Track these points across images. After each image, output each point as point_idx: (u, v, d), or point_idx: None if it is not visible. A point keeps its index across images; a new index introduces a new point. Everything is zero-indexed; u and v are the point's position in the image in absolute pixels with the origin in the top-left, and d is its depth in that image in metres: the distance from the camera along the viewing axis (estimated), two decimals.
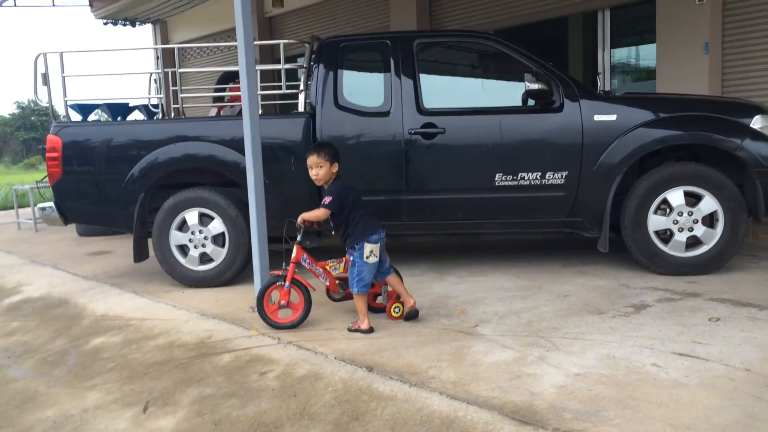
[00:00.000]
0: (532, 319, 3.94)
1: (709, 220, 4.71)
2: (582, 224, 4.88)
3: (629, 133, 4.68)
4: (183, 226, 5.25)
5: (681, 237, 4.69)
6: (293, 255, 4.06)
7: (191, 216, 5.21)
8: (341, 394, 3.07)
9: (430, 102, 4.95)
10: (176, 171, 5.25)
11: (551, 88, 4.71)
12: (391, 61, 5.01)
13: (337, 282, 4.19)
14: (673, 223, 4.69)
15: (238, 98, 8.32)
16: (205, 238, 5.22)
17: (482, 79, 5.39)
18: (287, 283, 4.00)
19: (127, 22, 14.65)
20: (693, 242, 4.73)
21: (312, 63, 5.23)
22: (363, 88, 5.16)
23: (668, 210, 4.71)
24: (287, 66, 5.21)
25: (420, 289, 4.64)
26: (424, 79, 4.99)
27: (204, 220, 5.23)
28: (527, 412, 2.67)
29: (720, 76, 7.32)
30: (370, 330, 3.86)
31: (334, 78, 5.06)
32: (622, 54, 8.51)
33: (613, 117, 4.69)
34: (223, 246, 5.21)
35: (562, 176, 4.76)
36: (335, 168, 4.01)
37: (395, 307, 4.09)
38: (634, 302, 4.15)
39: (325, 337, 3.83)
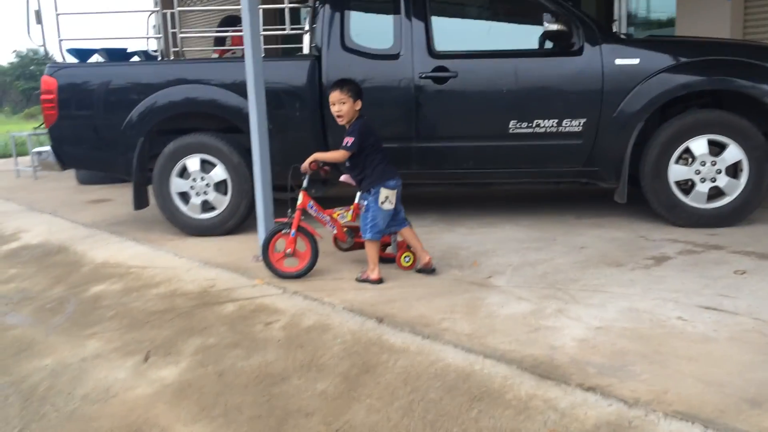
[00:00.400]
0: (548, 270, 3.79)
1: (733, 170, 4.51)
2: (599, 174, 4.69)
3: (652, 78, 4.44)
4: (184, 173, 5.07)
5: (703, 188, 4.50)
6: (299, 202, 3.89)
7: (192, 162, 5.02)
8: (350, 345, 2.93)
9: (442, 44, 4.71)
10: (177, 115, 5.05)
11: (571, 30, 4.46)
12: (401, 0, 4.73)
13: (345, 230, 4.02)
14: (695, 173, 4.50)
15: (241, 43, 8.08)
16: (207, 185, 5.04)
17: (497, 21, 5.12)
18: (293, 231, 3.84)
19: None
20: (715, 193, 4.54)
21: (317, 2, 4.97)
22: (371, 29, 4.90)
23: (690, 159, 4.51)
24: (291, 5, 4.93)
25: (430, 240, 4.47)
26: (436, 19, 4.73)
27: (206, 166, 5.03)
28: (548, 367, 2.53)
29: (742, 24, 7.02)
30: (380, 281, 3.71)
31: (341, 18, 4.80)
32: (640, 0, 8.17)
33: (636, 61, 4.45)
34: (225, 194, 5.04)
35: (579, 123, 4.54)
36: (358, 105, 3.78)
37: (405, 256, 3.94)
38: (654, 254, 3.99)
39: (332, 287, 3.68)
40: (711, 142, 4.47)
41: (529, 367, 2.54)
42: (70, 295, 4.18)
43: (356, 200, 3.99)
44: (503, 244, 4.43)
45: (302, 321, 3.24)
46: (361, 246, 4.09)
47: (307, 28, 4.97)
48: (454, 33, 4.88)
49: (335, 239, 4.10)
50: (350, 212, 3.99)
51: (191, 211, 5.10)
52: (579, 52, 4.50)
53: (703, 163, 4.48)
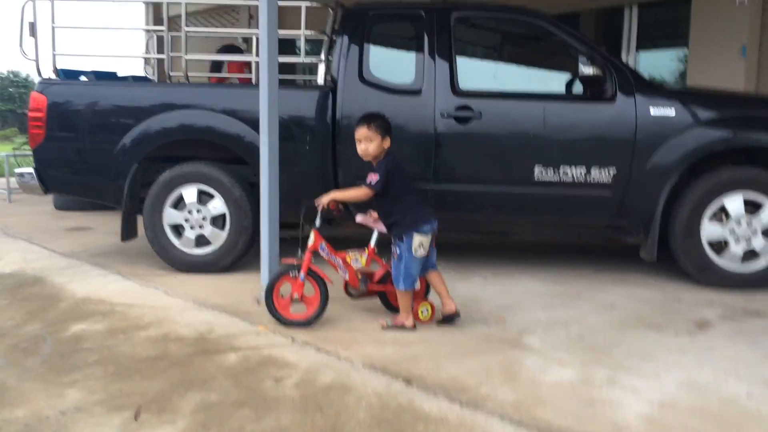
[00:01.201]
0: (583, 332, 3.45)
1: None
2: (627, 228, 4.40)
3: (688, 131, 4.20)
4: (179, 204, 4.69)
5: (738, 248, 4.24)
6: (310, 242, 3.53)
7: (189, 193, 4.64)
8: (378, 411, 2.54)
9: (466, 83, 4.43)
10: (175, 142, 4.69)
11: (604, 75, 4.22)
12: (425, 34, 4.47)
13: (359, 276, 3.66)
14: (730, 232, 4.23)
15: (237, 71, 7.78)
16: (204, 218, 4.66)
17: (525, 62, 4.88)
18: (302, 274, 3.47)
19: None
20: (748, 255, 4.27)
21: (335, 32, 4.69)
22: (392, 62, 4.64)
23: (724, 218, 4.25)
24: (308, 33, 4.64)
25: None
26: (461, 56, 4.48)
27: (203, 198, 4.66)
28: None
29: (755, 80, 6.91)
30: (414, 327, 3.41)
31: (360, 49, 4.52)
32: (649, 56, 8.06)
33: (672, 112, 4.21)
34: (222, 228, 4.65)
35: (609, 174, 4.27)
36: (387, 143, 3.46)
37: (423, 309, 3.59)
38: (694, 318, 3.69)
39: (346, 339, 3.31)
40: (746, 202, 4.22)
41: None
42: (47, 334, 3.72)
43: (371, 243, 3.65)
44: (525, 297, 4.10)
45: (318, 378, 2.85)
46: (374, 294, 3.74)
47: (323, 57, 4.67)
48: (479, 71, 4.63)
49: (346, 285, 3.73)
50: (364, 256, 3.64)
51: (184, 245, 4.70)
52: (612, 98, 4.26)
53: (739, 222, 4.22)
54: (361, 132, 3.46)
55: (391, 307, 3.70)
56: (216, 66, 7.73)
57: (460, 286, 4.36)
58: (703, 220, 4.25)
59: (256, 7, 3.86)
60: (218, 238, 4.65)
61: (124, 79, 6.29)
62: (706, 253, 4.27)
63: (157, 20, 14.53)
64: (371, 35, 4.54)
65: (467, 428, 2.37)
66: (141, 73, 7.29)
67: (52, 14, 4.89)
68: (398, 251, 3.41)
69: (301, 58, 4.50)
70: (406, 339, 3.31)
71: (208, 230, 4.65)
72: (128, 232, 4.83)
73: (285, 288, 3.56)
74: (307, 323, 3.50)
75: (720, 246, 4.29)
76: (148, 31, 8.00)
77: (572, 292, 4.23)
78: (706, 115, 4.23)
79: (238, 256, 4.68)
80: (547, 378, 2.80)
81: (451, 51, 4.42)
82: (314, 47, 5.15)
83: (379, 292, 3.72)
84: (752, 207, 4.24)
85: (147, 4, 10.65)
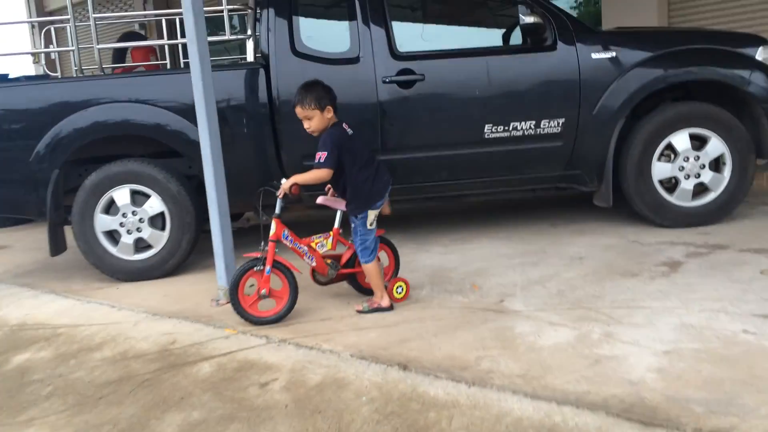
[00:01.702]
0: (562, 287, 3.38)
1: (715, 165, 4.31)
2: (581, 177, 4.36)
3: (630, 71, 4.17)
4: (111, 208, 4.31)
5: (688, 185, 4.28)
6: (272, 232, 3.28)
7: (121, 195, 4.27)
8: (382, 404, 2.37)
9: (405, 45, 4.24)
10: (99, 140, 4.29)
11: (543, 24, 4.11)
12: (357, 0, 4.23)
13: (327, 261, 3.45)
14: (679, 169, 4.26)
15: (142, 59, 7.29)
16: (140, 220, 4.30)
17: (462, 19, 4.69)
18: (268, 267, 3.23)
19: None
20: (699, 190, 4.32)
21: (259, 5, 4.38)
22: (325, 31, 4.37)
23: (673, 156, 4.27)
24: (231, 8, 4.30)
25: (407, 264, 3.96)
26: (396, 19, 4.26)
27: (137, 199, 4.30)
28: (643, 409, 2.09)
29: (666, 14, 7.01)
30: (391, 307, 3.27)
31: (289, 21, 4.23)
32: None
33: (612, 54, 4.16)
34: (163, 229, 4.32)
35: (558, 124, 4.20)
36: (329, 113, 3.23)
37: (398, 287, 3.42)
38: (662, 260, 3.69)
39: (325, 330, 3.11)
40: (692, 137, 4.25)
41: (620, 412, 2.09)
42: None
43: (336, 224, 3.45)
44: (492, 261, 4.00)
45: (307, 377, 2.65)
46: (343, 278, 3.55)
47: (249, 32, 4.34)
48: (416, 33, 4.43)
49: (313, 272, 3.51)
50: (330, 240, 3.43)
51: (122, 252, 4.34)
52: (553, 46, 4.17)
53: (687, 159, 4.25)
54: (298, 112, 3.25)
55: (363, 290, 3.52)
56: (119, 56, 7.21)
57: (422, 258, 4.22)
58: (653, 161, 4.25)
59: None
60: (159, 239, 4.32)
61: (17, 80, 5.74)
62: (658, 192, 4.29)
63: (41, 14, 13.56)
64: (299, 6, 4.25)
65: (482, 409, 2.24)
66: (30, 72, 6.69)
67: None
68: (354, 226, 3.28)
69: (227, 35, 4.17)
70: (388, 321, 3.15)
71: (147, 232, 4.31)
72: (56, 245, 4.41)
73: (250, 284, 3.31)
74: (278, 319, 3.27)
75: (671, 185, 4.31)
76: (36, 25, 7.36)
77: (536, 250, 4.16)
78: (644, 55, 4.20)
79: (183, 257, 4.36)
80: (545, 342, 2.71)
81: (385, 14, 4.20)
82: (239, 24, 4.77)
83: (349, 274, 3.52)
84: (698, 142, 4.27)
85: None
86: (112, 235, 4.35)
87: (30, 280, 4.75)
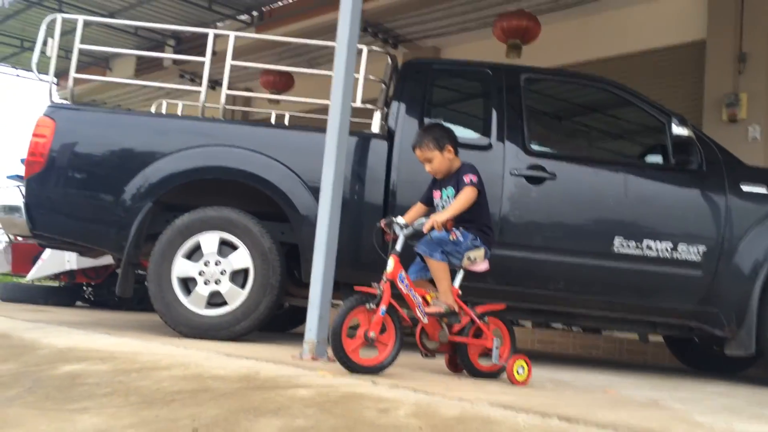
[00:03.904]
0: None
1: None
2: (716, 318, 3.86)
3: None
4: (193, 254, 3.97)
5: None
6: (389, 269, 2.88)
7: (209, 240, 3.94)
8: None
9: (537, 143, 4.08)
10: (198, 182, 4.08)
11: (692, 144, 3.92)
12: (494, 92, 4.15)
13: (441, 324, 2.98)
14: None
15: None
16: (222, 272, 3.92)
17: (598, 127, 4.58)
18: (384, 307, 2.78)
19: None
20: None
21: (393, 78, 4.35)
22: (456, 117, 4.27)
23: None
24: (369, 77, 4.23)
25: None
26: (531, 116, 4.14)
27: (223, 249, 3.97)
28: None
29: None
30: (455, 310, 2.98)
31: (422, 102, 4.15)
32: None
33: (764, 189, 3.91)
34: (243, 286, 3.92)
35: (698, 251, 3.83)
36: (450, 153, 3.13)
37: (519, 367, 2.91)
38: None
39: (440, 381, 2.59)
40: None
41: None
42: (30, 372, 2.85)
43: (455, 283, 3.06)
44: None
45: (439, 411, 2.11)
46: (453, 348, 3.06)
47: (380, 104, 4.25)
48: (550, 133, 4.29)
49: (421, 332, 3.02)
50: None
51: (193, 303, 3.91)
52: (699, 169, 3.94)
53: None
54: (417, 154, 3.22)
55: (473, 370, 3.03)
56: None
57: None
58: None
59: None
60: (237, 296, 3.90)
61: None
62: None
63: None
64: (434, 87, 4.21)
65: None
66: None
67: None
68: (458, 237, 3.01)
69: (358, 103, 4.08)
70: (514, 388, 2.61)
71: (226, 286, 3.90)
72: (126, 285, 4.05)
73: (350, 326, 2.83)
74: (382, 368, 2.77)
75: None
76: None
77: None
78: None
79: (257, 321, 3.90)
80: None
81: (522, 110, 4.09)
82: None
83: (459, 345, 3.03)
84: None
85: None
86: (187, 285, 3.96)
87: (78, 326, 4.31)
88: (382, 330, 2.82)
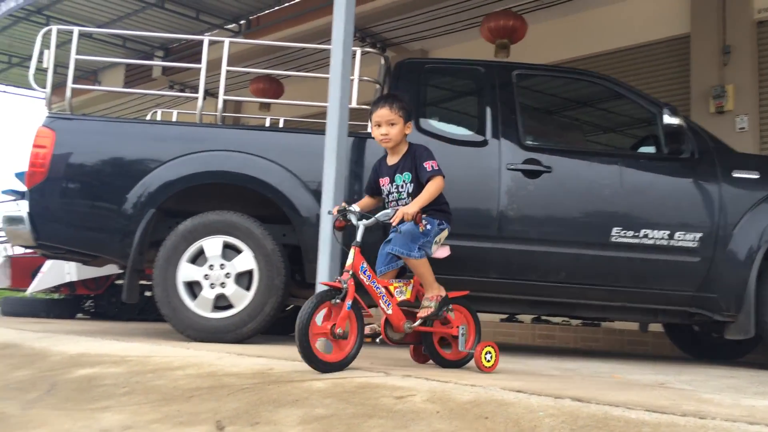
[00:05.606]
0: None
1: None
2: (715, 303, 3.93)
3: None
4: (197, 259, 4.02)
5: None
6: (349, 261, 2.80)
7: (213, 245, 3.99)
8: (570, 419, 1.88)
9: (532, 137, 4.15)
10: (199, 188, 4.12)
11: (683, 134, 4.01)
12: (487, 89, 4.23)
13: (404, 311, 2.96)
14: None
15: None
16: (227, 275, 3.97)
17: (592, 120, 4.66)
18: (349, 302, 2.71)
19: None
20: None
21: (386, 79, 4.42)
22: (451, 115, 4.33)
23: None
24: (364, 78, 4.29)
25: None
26: (525, 111, 4.22)
27: (227, 253, 4.01)
28: None
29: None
30: (447, 296, 2.97)
31: (417, 101, 4.21)
32: None
33: (756, 175, 3.99)
34: (248, 288, 3.97)
35: (694, 237, 3.92)
36: (409, 129, 3.12)
37: (486, 353, 2.92)
38: None
39: (445, 372, 2.64)
40: None
41: None
42: (46, 377, 2.89)
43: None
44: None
45: (454, 396, 2.17)
46: (418, 338, 3.04)
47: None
48: (545, 127, 4.36)
49: (386, 323, 2.94)
50: (410, 288, 3.03)
51: (200, 307, 3.95)
52: (691, 157, 4.02)
53: None
54: (382, 113, 3.06)
55: (440, 360, 3.04)
56: None
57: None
58: None
59: None
60: (242, 299, 3.95)
61: None
62: None
63: None
64: (428, 86, 4.27)
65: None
66: None
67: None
68: (426, 226, 2.95)
69: (353, 104, 4.14)
70: (501, 375, 2.67)
71: (232, 289, 3.95)
72: (132, 291, 4.09)
73: (318, 318, 2.71)
74: (342, 366, 2.69)
75: None
76: None
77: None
78: None
79: (263, 323, 3.95)
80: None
81: (515, 105, 4.16)
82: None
83: (424, 334, 3.00)
84: None
85: None
86: (192, 289, 4.00)
87: (85, 335, 4.34)
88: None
